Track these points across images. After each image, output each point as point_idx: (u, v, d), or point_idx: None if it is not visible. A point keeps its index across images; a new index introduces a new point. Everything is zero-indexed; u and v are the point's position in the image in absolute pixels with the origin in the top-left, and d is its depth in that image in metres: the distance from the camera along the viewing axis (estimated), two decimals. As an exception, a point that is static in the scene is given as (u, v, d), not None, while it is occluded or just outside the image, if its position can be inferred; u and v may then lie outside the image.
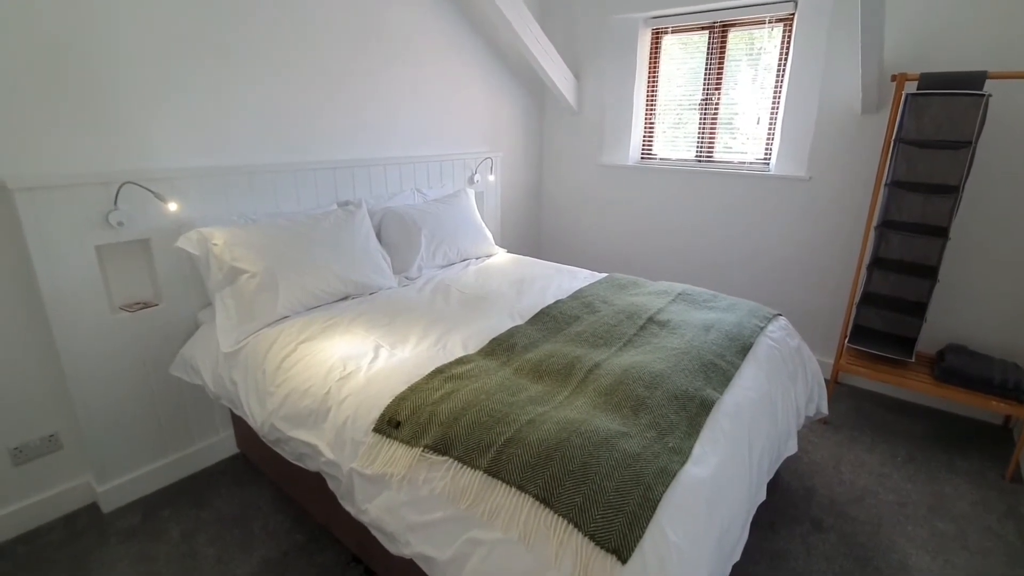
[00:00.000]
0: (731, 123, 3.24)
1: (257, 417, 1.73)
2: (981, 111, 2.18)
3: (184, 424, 2.20)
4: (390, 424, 1.40)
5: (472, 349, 1.78)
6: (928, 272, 2.43)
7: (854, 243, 2.84)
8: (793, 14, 2.85)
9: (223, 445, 2.34)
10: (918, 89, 2.30)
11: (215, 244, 1.93)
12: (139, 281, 2.05)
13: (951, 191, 2.30)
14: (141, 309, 2.03)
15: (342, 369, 1.64)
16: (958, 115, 2.23)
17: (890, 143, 2.41)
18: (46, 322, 1.80)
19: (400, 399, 1.46)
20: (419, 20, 2.85)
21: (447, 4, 2.98)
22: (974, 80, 2.19)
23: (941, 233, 2.35)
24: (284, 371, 1.71)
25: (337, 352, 1.72)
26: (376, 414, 1.44)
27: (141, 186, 1.87)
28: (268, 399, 1.70)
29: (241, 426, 2.20)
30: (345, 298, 2.19)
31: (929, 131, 2.30)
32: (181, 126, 2.03)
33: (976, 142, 2.23)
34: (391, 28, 2.72)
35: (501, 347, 1.79)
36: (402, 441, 1.36)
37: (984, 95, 2.16)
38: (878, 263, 2.55)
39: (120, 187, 1.84)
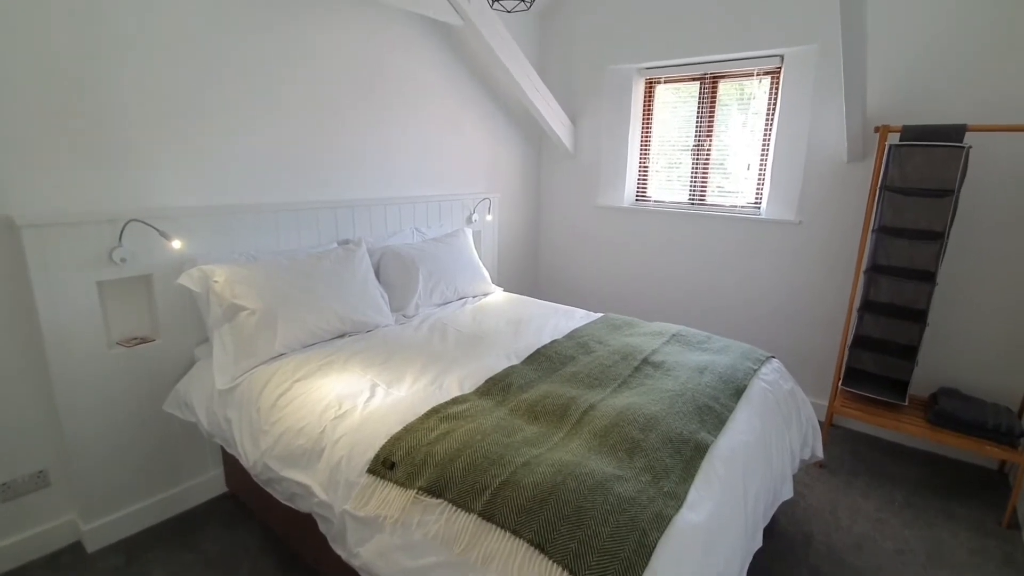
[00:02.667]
0: (723, 165, 3.34)
1: (250, 456, 1.72)
2: (962, 162, 2.26)
3: (174, 462, 2.18)
4: (384, 465, 1.40)
5: (468, 389, 1.78)
6: (918, 316, 2.47)
7: (845, 286, 2.89)
8: (780, 68, 2.99)
9: (212, 484, 2.30)
10: (901, 140, 2.39)
11: (216, 281, 1.96)
12: (137, 316, 2.06)
13: (937, 237, 2.36)
14: (138, 344, 2.03)
15: (337, 408, 1.64)
16: (940, 165, 2.31)
17: (876, 190, 2.49)
18: (43, 357, 1.81)
19: (395, 439, 1.46)
20: (421, 67, 2.97)
21: (448, 51, 3.10)
22: (954, 133, 2.28)
23: (929, 278, 2.40)
24: (279, 409, 1.71)
25: (333, 390, 1.73)
26: (370, 455, 1.44)
27: (146, 223, 1.91)
28: (262, 438, 1.69)
29: (231, 465, 2.17)
30: (342, 336, 2.20)
31: (913, 180, 2.38)
32: (187, 165, 2.09)
33: (959, 191, 2.30)
34: (394, 74, 2.83)
35: (497, 387, 1.79)
36: (396, 483, 1.35)
37: (964, 147, 2.25)
38: (869, 306, 2.60)
39: (125, 225, 1.87)
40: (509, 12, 2.04)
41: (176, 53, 2.00)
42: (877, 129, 2.45)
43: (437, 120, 3.14)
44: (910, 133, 2.37)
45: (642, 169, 3.70)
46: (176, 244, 1.99)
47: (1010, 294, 2.54)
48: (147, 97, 1.94)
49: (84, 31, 1.77)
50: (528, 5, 1.92)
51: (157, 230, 1.93)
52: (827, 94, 2.79)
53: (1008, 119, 2.39)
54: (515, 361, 2.03)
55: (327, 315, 2.12)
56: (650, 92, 3.56)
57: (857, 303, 2.63)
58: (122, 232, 1.87)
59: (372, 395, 1.72)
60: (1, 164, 1.66)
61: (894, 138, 2.49)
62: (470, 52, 3.21)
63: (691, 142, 3.41)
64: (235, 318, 1.97)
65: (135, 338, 2.07)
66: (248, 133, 2.26)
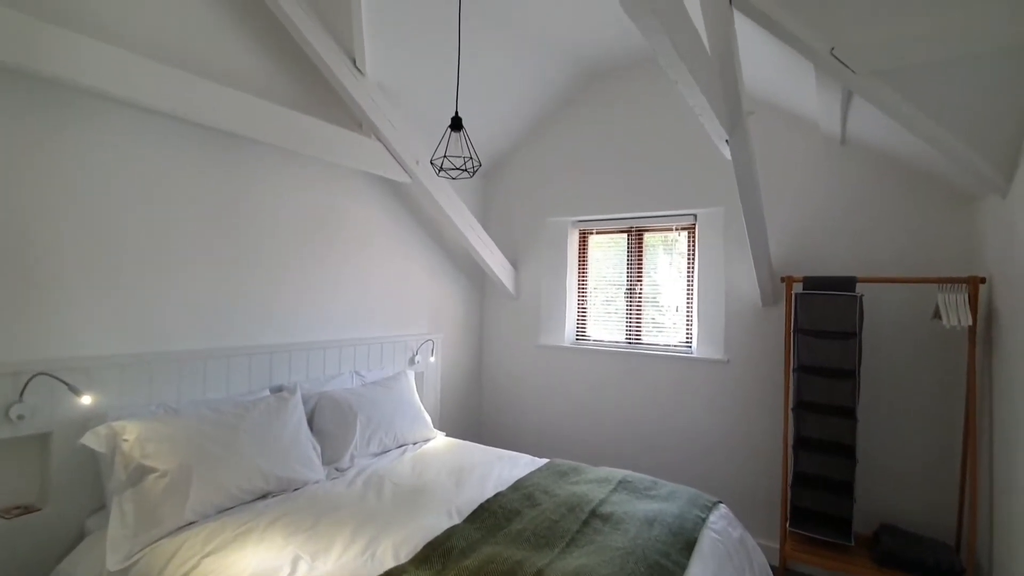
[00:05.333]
0: (655, 300, 3.57)
1: (136, 659, 1.43)
2: (858, 308, 2.54)
3: (35, 670, 1.77)
4: (302, 665, 1.20)
5: (404, 557, 1.63)
6: (847, 451, 2.56)
7: (777, 423, 2.99)
8: (695, 224, 3.37)
9: None
10: (804, 289, 2.68)
11: (126, 440, 1.78)
12: (26, 480, 1.82)
13: (849, 375, 2.55)
14: (20, 515, 1.76)
15: (252, 590, 1.44)
16: (840, 311, 2.57)
17: (790, 332, 2.72)
18: None
19: (317, 629, 1.28)
20: (367, 214, 3.11)
21: (394, 201, 3.30)
22: (847, 283, 2.59)
23: (849, 414, 2.54)
24: (181, 595, 1.48)
25: (247, 567, 1.53)
26: (286, 652, 1.24)
27: (55, 377, 1.77)
28: (155, 634, 1.43)
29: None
30: (265, 496, 2.00)
31: (820, 323, 2.62)
32: (107, 312, 1.99)
33: (860, 333, 2.55)
34: (339, 220, 2.92)
35: (436, 553, 1.65)
36: None
37: (858, 295, 2.54)
38: (802, 443, 2.68)
39: (30, 379, 1.72)
40: (454, 179, 2.25)
41: (100, 198, 1.97)
42: (783, 279, 2.75)
43: (381, 263, 3.23)
44: (811, 283, 2.66)
45: (580, 309, 3.89)
46: (86, 400, 1.83)
47: (924, 428, 2.71)
48: (64, 242, 1.88)
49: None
50: (471, 174, 2.13)
51: (67, 384, 1.78)
52: (737, 247, 3.14)
53: (889, 272, 2.74)
54: (457, 520, 1.89)
55: (250, 473, 1.95)
56: (584, 240, 3.89)
57: (791, 440, 2.71)
58: (25, 387, 1.71)
59: (294, 570, 1.53)
60: None
61: (799, 287, 2.79)
62: (416, 203, 3.43)
63: (624, 285, 3.66)
64: (141, 482, 1.76)
65: (17, 507, 1.80)
66: (177, 278, 2.20)
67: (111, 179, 2.00)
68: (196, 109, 2.05)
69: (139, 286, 2.09)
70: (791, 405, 2.71)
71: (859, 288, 2.59)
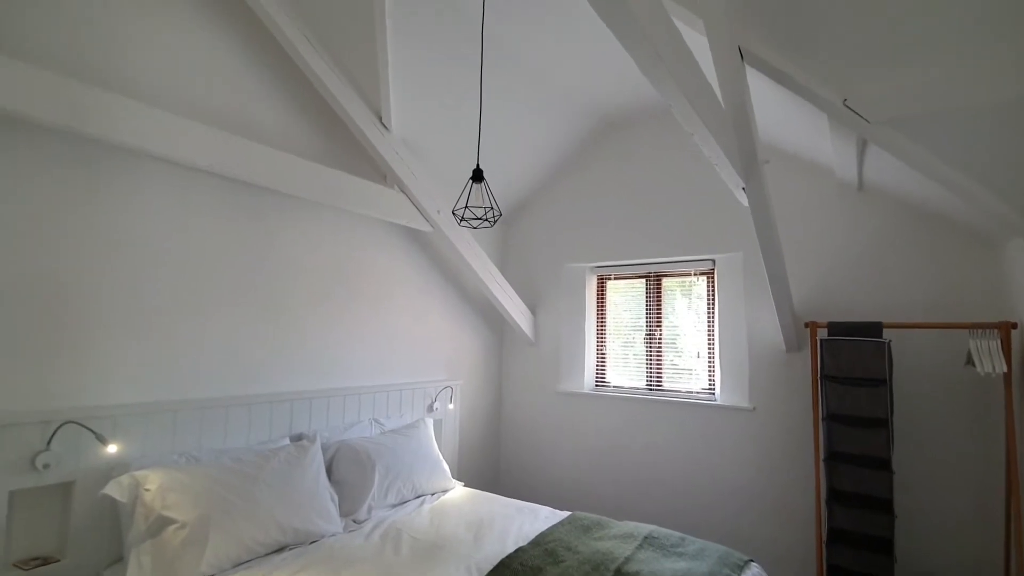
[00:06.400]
0: (675, 344, 3.52)
1: None
2: (886, 354, 2.47)
3: None
4: None
5: (423, 617, 1.57)
6: (884, 506, 2.44)
7: (808, 474, 2.87)
8: (713, 269, 3.37)
9: None
10: (828, 335, 2.62)
11: (147, 489, 1.78)
12: (46, 530, 1.81)
13: (882, 424, 2.46)
14: (38, 566, 1.75)
15: (267, 651, 1.39)
16: (868, 357, 2.51)
17: (817, 379, 2.64)
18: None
19: None
20: (387, 262, 3.16)
21: (415, 248, 3.36)
22: (873, 329, 2.53)
23: (885, 466, 2.43)
24: (195, 655, 1.43)
25: (264, 626, 1.48)
26: None
27: (83, 425, 1.79)
28: None
29: None
30: (282, 549, 1.96)
31: (847, 369, 2.55)
32: (134, 360, 2.03)
33: (891, 380, 2.47)
34: (360, 268, 2.98)
35: (456, 613, 1.59)
36: None
37: (885, 341, 2.48)
38: (836, 497, 2.56)
39: (59, 427, 1.75)
40: (475, 228, 2.30)
41: (132, 250, 2.04)
42: (807, 325, 2.70)
43: (401, 310, 3.26)
44: (836, 329, 2.61)
45: (600, 355, 3.85)
46: (112, 448, 1.84)
47: (964, 479, 2.57)
48: (96, 292, 1.94)
49: (32, 235, 1.82)
50: (492, 223, 2.18)
51: (94, 433, 1.80)
52: (758, 292, 3.11)
53: (915, 317, 2.67)
54: (477, 577, 1.83)
55: (268, 525, 1.92)
56: (602, 285, 3.89)
57: (824, 493, 2.59)
58: (53, 435, 1.74)
59: (310, 630, 1.48)
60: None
61: (823, 332, 2.73)
62: (437, 251, 3.49)
63: (643, 330, 3.63)
64: (161, 533, 1.75)
65: (36, 558, 1.79)
66: (203, 327, 2.25)
67: (143, 232, 2.09)
68: (231, 165, 2.15)
69: (166, 335, 2.14)
70: (822, 456, 2.61)
71: (886, 334, 2.53)
